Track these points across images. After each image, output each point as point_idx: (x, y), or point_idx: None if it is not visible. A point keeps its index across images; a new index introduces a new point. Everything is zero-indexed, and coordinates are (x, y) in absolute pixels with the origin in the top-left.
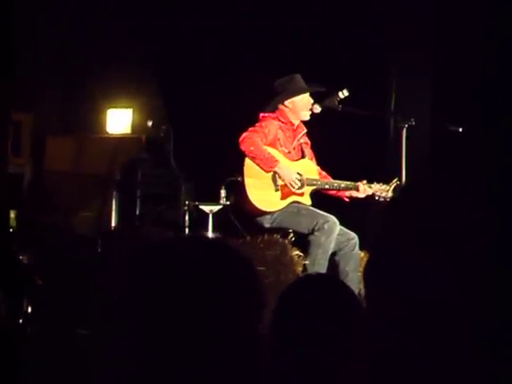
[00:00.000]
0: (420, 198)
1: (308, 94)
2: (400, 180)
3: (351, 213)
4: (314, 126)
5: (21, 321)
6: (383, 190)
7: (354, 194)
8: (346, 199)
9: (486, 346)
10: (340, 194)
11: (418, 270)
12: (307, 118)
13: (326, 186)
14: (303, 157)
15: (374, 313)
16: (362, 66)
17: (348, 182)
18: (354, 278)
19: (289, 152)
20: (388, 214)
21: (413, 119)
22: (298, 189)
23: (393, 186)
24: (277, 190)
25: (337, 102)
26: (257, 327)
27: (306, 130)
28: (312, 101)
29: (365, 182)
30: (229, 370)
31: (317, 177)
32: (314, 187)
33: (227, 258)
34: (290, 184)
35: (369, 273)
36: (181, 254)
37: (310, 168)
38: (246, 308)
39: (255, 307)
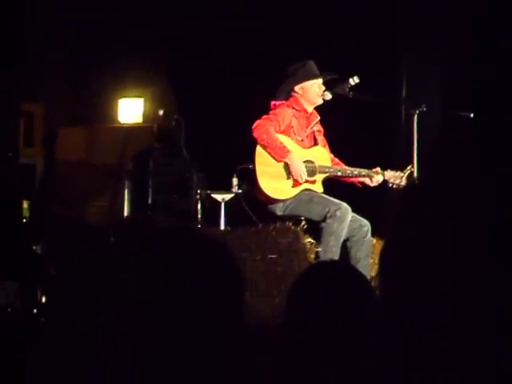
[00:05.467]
0: (435, 186)
1: (320, 81)
2: (412, 166)
3: (363, 199)
4: (324, 113)
5: (35, 311)
6: (397, 177)
7: (367, 181)
8: (359, 184)
9: (492, 333)
10: (352, 179)
11: (430, 262)
12: (320, 102)
13: (339, 173)
14: (316, 144)
15: (390, 299)
16: (372, 53)
17: (361, 169)
18: (365, 265)
19: (302, 140)
20: (405, 204)
21: (424, 105)
22: (310, 176)
23: (407, 174)
24: (288, 178)
25: (347, 89)
26: (241, 312)
27: (319, 118)
28: (323, 88)
29: (378, 169)
30: (216, 357)
31: (329, 164)
32: (327, 174)
33: (205, 248)
34: (297, 177)
35: (385, 260)
36: (163, 246)
37: (322, 155)
38: (229, 294)
39: (237, 293)
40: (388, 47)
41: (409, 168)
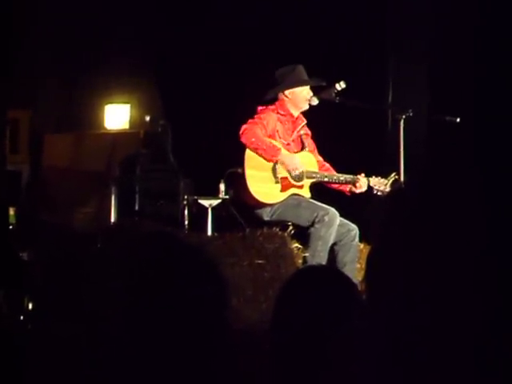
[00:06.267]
0: (421, 191)
1: (308, 87)
2: (398, 171)
3: (351, 205)
4: (311, 118)
5: (22, 318)
6: (381, 184)
7: (353, 189)
8: (348, 193)
9: (488, 336)
10: (342, 187)
11: (418, 264)
12: (306, 107)
13: (326, 179)
14: (303, 149)
15: (375, 304)
16: (361, 53)
17: (347, 175)
18: (351, 269)
19: (288, 144)
20: (391, 207)
21: (410, 110)
22: (297, 181)
23: (391, 181)
24: (277, 183)
25: (334, 94)
26: (225, 317)
27: (305, 122)
28: (312, 93)
29: (363, 174)
30: (203, 362)
31: (316, 169)
32: (314, 180)
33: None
34: (293, 169)
35: (371, 265)
36: (147, 252)
37: (309, 160)
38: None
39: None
40: (377, 47)
41: (393, 175)
